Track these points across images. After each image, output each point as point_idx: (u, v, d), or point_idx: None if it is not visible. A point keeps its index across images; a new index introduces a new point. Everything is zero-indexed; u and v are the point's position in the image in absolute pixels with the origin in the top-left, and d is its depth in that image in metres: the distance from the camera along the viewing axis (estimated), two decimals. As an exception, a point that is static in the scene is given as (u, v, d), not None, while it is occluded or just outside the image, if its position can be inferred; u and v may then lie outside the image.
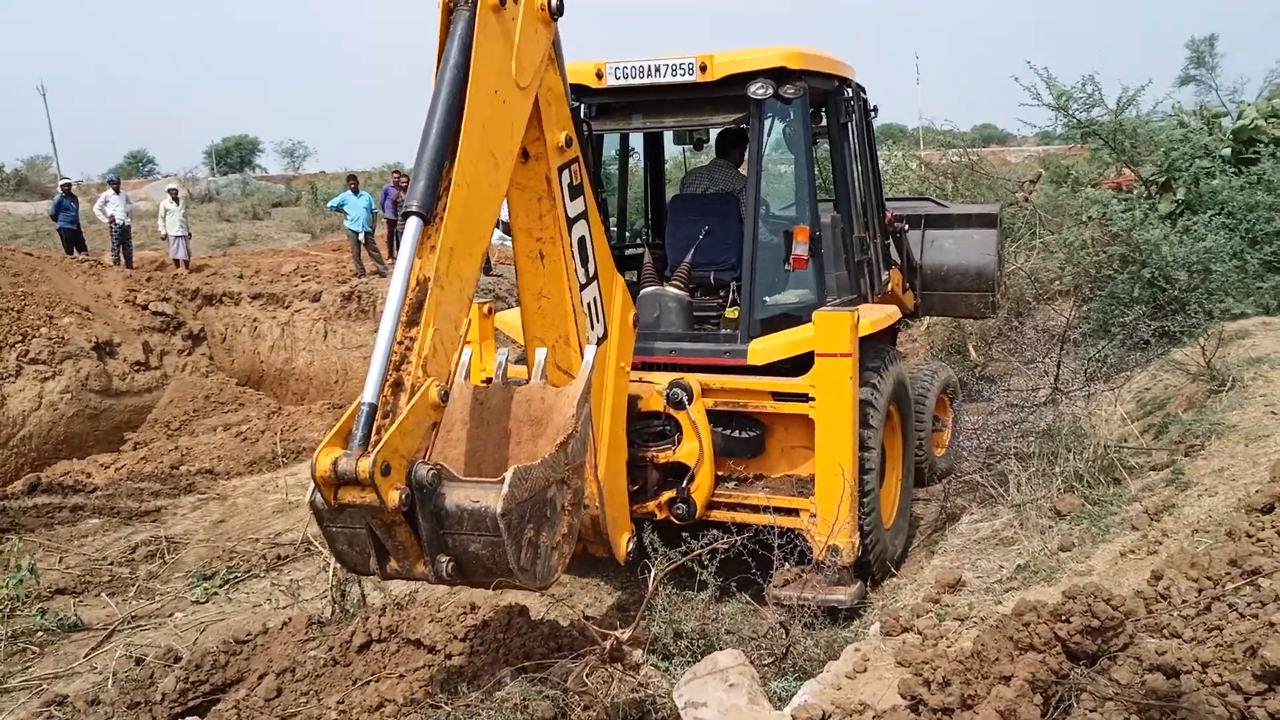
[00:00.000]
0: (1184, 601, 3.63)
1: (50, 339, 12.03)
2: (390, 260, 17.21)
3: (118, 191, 18.24)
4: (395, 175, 20.08)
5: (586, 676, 4.04)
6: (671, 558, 4.87)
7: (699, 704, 4.16)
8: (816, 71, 6.64)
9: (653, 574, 4.18)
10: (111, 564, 8.12)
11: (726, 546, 4.60)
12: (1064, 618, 3.40)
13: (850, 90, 7.42)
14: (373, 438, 3.42)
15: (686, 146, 8.69)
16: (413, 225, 3.75)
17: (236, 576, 7.94)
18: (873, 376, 6.36)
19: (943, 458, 8.64)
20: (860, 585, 6.13)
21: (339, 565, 4.38)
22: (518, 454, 4.36)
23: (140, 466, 10.90)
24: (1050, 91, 10.37)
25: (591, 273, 5.18)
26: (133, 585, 7.80)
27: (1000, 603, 4.80)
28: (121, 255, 17.59)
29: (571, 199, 4.98)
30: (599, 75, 6.32)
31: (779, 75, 6.19)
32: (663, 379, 6.20)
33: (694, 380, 6.18)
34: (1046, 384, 7.56)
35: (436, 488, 3.54)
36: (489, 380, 4.54)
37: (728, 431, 6.38)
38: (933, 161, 18.09)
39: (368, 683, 5.02)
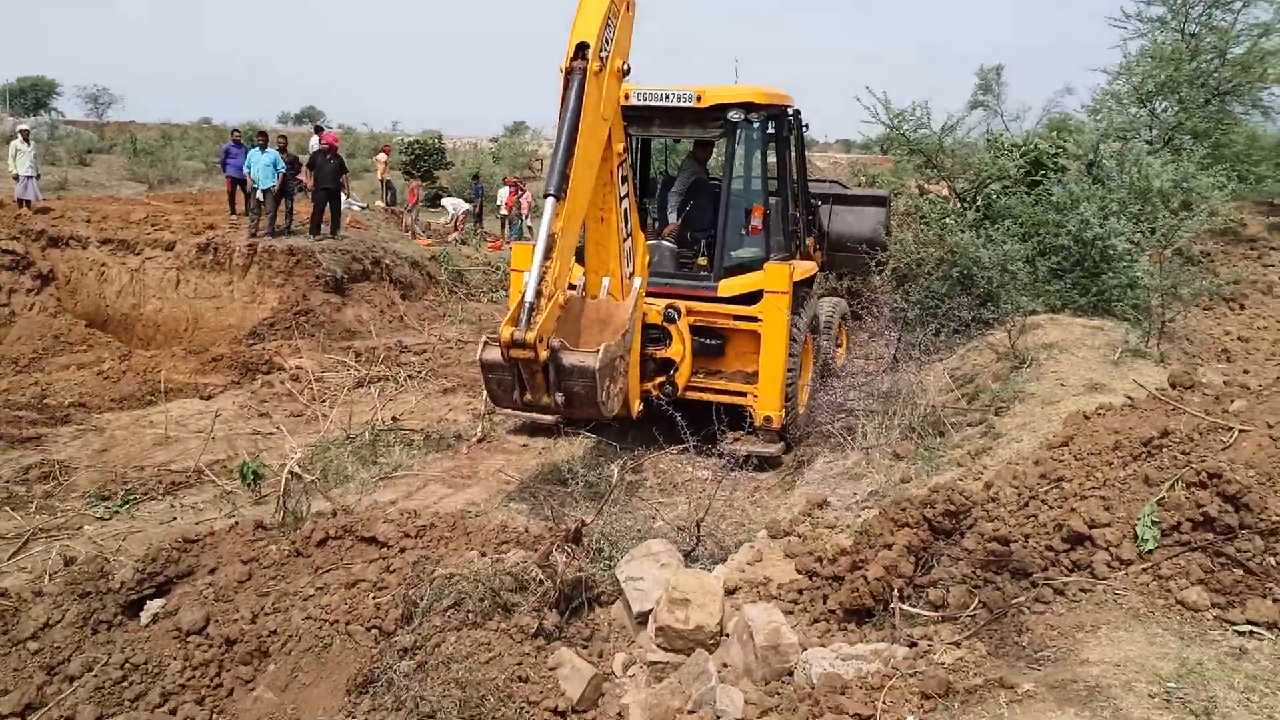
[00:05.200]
0: (1008, 501, 4.90)
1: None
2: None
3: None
4: (235, 134, 19.82)
5: (554, 552, 4.95)
6: (630, 467, 6.52)
7: (637, 578, 5.17)
8: (772, 103, 9.51)
9: (616, 472, 5.16)
10: (7, 483, 8.29)
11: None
12: (930, 504, 4.61)
13: (791, 112, 10.31)
14: (532, 320, 6.25)
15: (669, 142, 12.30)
16: (550, 203, 6.60)
17: (135, 498, 8.29)
18: (799, 309, 9.20)
19: (841, 364, 11.12)
20: (783, 444, 9.02)
21: (490, 401, 7.36)
22: (589, 341, 7.16)
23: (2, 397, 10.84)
24: (888, 112, 11.96)
25: (629, 231, 8.08)
26: (32, 502, 8.03)
27: (859, 516, 6.02)
28: (-41, 194, 16.84)
29: (622, 185, 7.87)
30: (627, 96, 8.43)
31: (747, 106, 8.90)
32: (660, 303, 8.92)
33: (681, 304, 8.96)
34: (888, 354, 9.11)
35: (560, 351, 6.36)
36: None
37: (701, 340, 9.15)
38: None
39: (329, 570, 5.74)
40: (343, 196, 22.19)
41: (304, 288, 15.38)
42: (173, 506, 8.24)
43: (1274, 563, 4.01)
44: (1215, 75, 17.46)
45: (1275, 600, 3.91)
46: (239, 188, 17.87)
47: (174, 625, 5.42)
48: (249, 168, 16.66)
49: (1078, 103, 79.43)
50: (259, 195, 16.45)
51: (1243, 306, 12.69)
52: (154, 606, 5.79)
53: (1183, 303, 9.30)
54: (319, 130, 24.99)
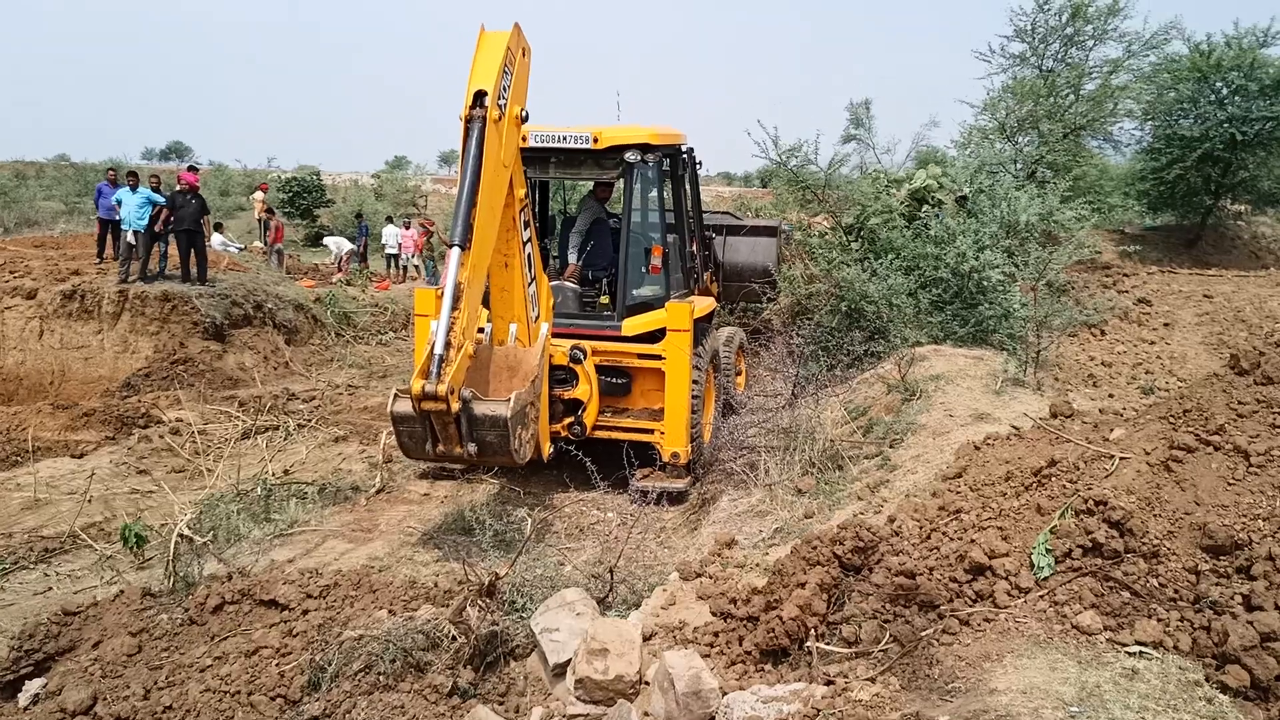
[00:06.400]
0: (911, 535, 5.06)
1: None
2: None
3: None
4: (111, 173, 19.01)
5: (468, 607, 4.89)
6: (540, 515, 6.45)
7: (553, 629, 5.13)
8: (666, 144, 9.87)
9: (529, 522, 5.13)
10: None
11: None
12: (839, 541, 4.72)
13: (685, 151, 10.65)
14: (442, 372, 6.26)
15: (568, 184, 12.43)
16: (455, 253, 6.65)
17: (5, 568, 7.84)
18: (699, 345, 9.39)
19: (741, 393, 11.35)
20: (690, 477, 9.13)
21: (401, 453, 7.11)
22: (498, 389, 7.31)
23: None
24: (776, 148, 12.38)
25: (533, 276, 8.13)
26: (-109, 577, 7.52)
27: (767, 554, 6.11)
28: None
29: (524, 229, 7.90)
30: (524, 138, 8.31)
31: (644, 147, 9.10)
32: (566, 344, 8.99)
33: (586, 344, 9.06)
34: (786, 390, 9.35)
35: (471, 402, 6.39)
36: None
37: (608, 379, 9.30)
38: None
39: (227, 638, 5.54)
40: (217, 238, 21.61)
41: (181, 335, 14.84)
42: (47, 575, 7.81)
43: (1156, 584, 4.23)
44: (1071, 110, 18.48)
45: (1159, 620, 4.13)
46: (109, 230, 17.09)
47: (57, 706, 5.14)
48: (118, 203, 15.97)
49: (945, 135, 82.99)
50: (129, 238, 15.75)
51: (1103, 333, 13.43)
52: (33, 686, 5.48)
53: (1053, 333, 9.78)
54: (193, 170, 24.25)
